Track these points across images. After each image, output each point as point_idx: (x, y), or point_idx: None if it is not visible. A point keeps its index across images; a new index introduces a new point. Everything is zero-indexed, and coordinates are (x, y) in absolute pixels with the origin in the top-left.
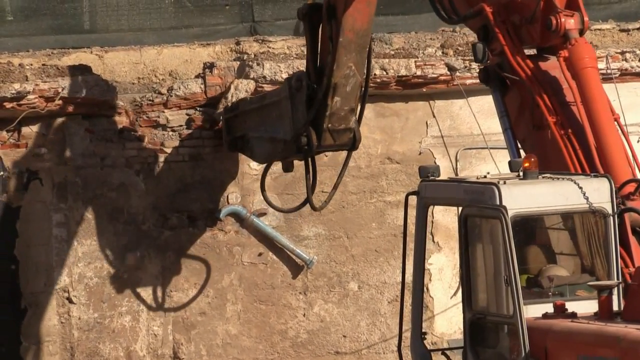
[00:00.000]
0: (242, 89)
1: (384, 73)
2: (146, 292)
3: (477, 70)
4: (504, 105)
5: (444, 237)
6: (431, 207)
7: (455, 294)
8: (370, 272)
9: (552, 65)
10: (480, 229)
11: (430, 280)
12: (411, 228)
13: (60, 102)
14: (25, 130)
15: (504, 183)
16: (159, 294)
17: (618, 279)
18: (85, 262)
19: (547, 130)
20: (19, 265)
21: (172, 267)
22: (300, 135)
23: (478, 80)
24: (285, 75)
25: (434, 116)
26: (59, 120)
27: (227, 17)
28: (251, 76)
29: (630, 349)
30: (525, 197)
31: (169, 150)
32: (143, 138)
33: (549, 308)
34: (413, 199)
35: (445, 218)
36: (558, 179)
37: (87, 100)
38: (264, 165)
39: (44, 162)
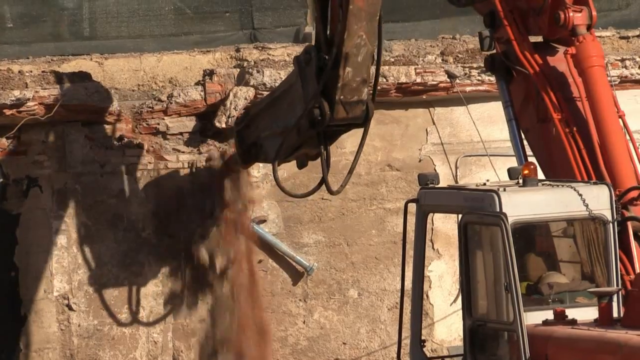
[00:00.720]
0: (242, 96)
1: (384, 80)
2: (146, 299)
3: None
4: (509, 94)
5: (444, 245)
6: (431, 214)
7: (455, 301)
8: (370, 280)
9: (559, 58)
10: (480, 236)
11: (430, 287)
12: (411, 235)
13: (60, 109)
14: (25, 137)
15: (504, 190)
16: (159, 301)
17: (618, 285)
18: (85, 269)
19: (551, 124)
20: (19, 273)
21: (172, 274)
22: (313, 108)
23: (478, 88)
24: None
25: (433, 123)
26: (59, 127)
27: (227, 24)
28: (251, 83)
29: (632, 355)
30: (525, 204)
31: (168, 157)
32: (143, 145)
33: (549, 315)
34: (413, 207)
35: (445, 225)
36: (558, 186)
37: (87, 107)
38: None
39: (44, 169)
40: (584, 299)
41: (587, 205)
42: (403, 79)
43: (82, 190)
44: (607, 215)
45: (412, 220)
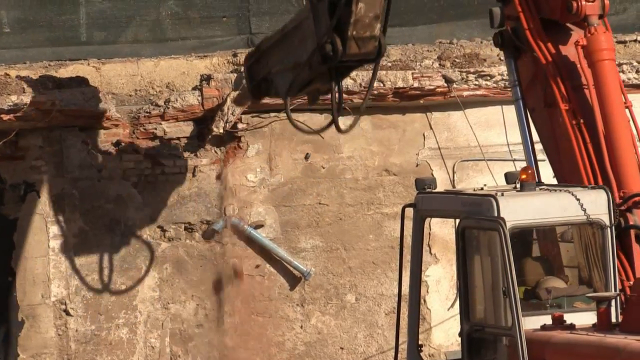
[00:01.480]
0: None
1: (381, 85)
2: (143, 304)
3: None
4: (517, 73)
5: (442, 249)
6: (428, 219)
7: (452, 305)
8: (368, 284)
9: (569, 42)
10: (478, 241)
11: (427, 292)
12: (408, 240)
13: (57, 114)
14: (22, 142)
15: (502, 195)
16: (157, 306)
17: (616, 290)
18: (82, 274)
19: (558, 110)
20: (16, 278)
21: (170, 279)
22: (325, 44)
23: (475, 93)
24: None
25: (431, 128)
26: (56, 132)
27: (224, 29)
28: None
29: None
30: (522, 208)
31: (166, 162)
32: (140, 150)
33: (547, 320)
34: (410, 211)
35: (443, 230)
36: (555, 190)
37: (84, 112)
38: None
39: (41, 174)
40: (582, 303)
41: (584, 210)
42: (400, 84)
43: (79, 195)
44: (605, 219)
45: (409, 225)
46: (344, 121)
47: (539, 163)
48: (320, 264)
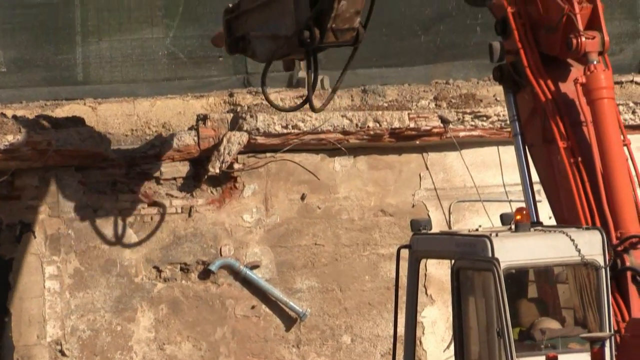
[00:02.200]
0: (235, 141)
1: (377, 125)
2: (139, 345)
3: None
4: (516, 108)
5: (437, 290)
6: (424, 260)
7: (448, 347)
8: (364, 325)
9: (569, 79)
10: (473, 282)
11: (423, 333)
12: (403, 281)
13: (53, 154)
14: (19, 182)
15: (496, 235)
16: (152, 346)
17: (610, 331)
18: (78, 314)
19: (556, 147)
20: (12, 318)
21: (165, 319)
22: (303, 30)
23: (471, 133)
24: (278, 128)
25: (427, 168)
26: (52, 172)
27: (220, 69)
28: (244, 128)
29: None
30: (517, 249)
31: (162, 202)
32: (136, 190)
33: None
34: (405, 252)
35: (438, 271)
36: (550, 231)
37: (80, 152)
38: (265, 65)
39: (37, 214)
40: (577, 344)
41: (579, 251)
42: (396, 124)
43: (75, 236)
44: (600, 260)
45: (405, 266)
46: (339, 161)
47: (537, 203)
48: (316, 305)
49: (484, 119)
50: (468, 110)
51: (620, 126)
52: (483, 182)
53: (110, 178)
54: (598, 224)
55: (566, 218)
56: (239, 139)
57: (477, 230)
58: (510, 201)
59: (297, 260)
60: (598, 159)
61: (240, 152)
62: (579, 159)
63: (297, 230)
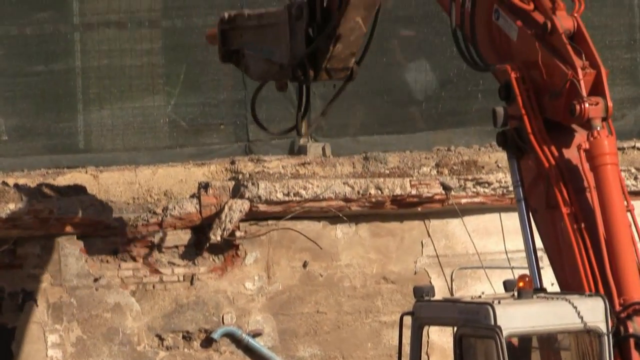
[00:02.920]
0: (237, 209)
1: (379, 192)
2: None
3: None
4: (520, 174)
5: (440, 358)
6: (427, 327)
7: None
8: None
9: (572, 144)
10: (475, 349)
11: None
12: (406, 349)
13: (55, 222)
14: (20, 250)
15: (499, 303)
16: None
17: None
18: None
19: (559, 212)
20: None
21: None
22: (297, 67)
23: (473, 200)
24: (279, 195)
25: (429, 235)
26: (54, 240)
27: (221, 136)
28: (246, 196)
29: None
30: (519, 316)
31: (164, 271)
32: (138, 258)
33: None
34: (408, 319)
35: (441, 338)
36: (552, 298)
37: (82, 221)
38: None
39: (39, 282)
40: None
41: (582, 318)
42: (398, 191)
43: (77, 304)
44: (602, 327)
45: (407, 334)
46: (341, 228)
47: (540, 269)
48: None
49: (486, 185)
50: (470, 177)
51: (623, 192)
52: (485, 249)
53: (112, 246)
54: (601, 290)
55: (569, 284)
56: (240, 206)
57: (479, 297)
58: (512, 268)
59: (300, 328)
60: (601, 225)
61: (242, 220)
62: (583, 225)
63: (299, 298)
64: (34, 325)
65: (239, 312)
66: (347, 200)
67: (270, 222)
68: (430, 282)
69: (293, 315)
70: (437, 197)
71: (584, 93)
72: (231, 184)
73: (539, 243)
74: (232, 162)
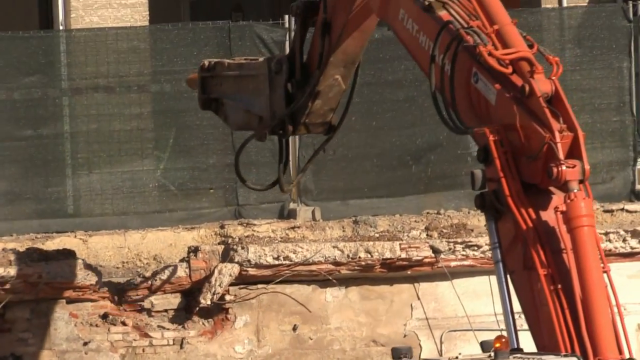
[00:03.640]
0: (227, 272)
1: (369, 256)
2: None
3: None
4: (498, 235)
5: None
6: None
7: None
8: None
9: (550, 207)
10: None
11: None
12: None
13: (44, 286)
14: (9, 314)
15: None
16: None
17: None
18: None
19: (536, 274)
20: None
21: None
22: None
23: (463, 263)
24: (269, 259)
25: (418, 298)
26: (43, 304)
27: (211, 200)
28: (236, 260)
29: None
30: None
31: (154, 334)
32: (128, 322)
33: None
34: None
35: None
36: (529, 358)
37: (71, 285)
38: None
39: (29, 346)
40: None
41: None
42: (388, 255)
43: None
44: None
45: None
46: (331, 291)
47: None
48: None
49: (475, 248)
50: (459, 240)
51: (600, 254)
52: (475, 312)
53: (102, 310)
54: (577, 351)
55: (546, 345)
56: (230, 270)
57: (456, 358)
58: (501, 330)
59: None
60: (578, 287)
61: (231, 284)
62: (559, 286)
63: (286, 351)
64: None
65: None
66: (336, 263)
67: (260, 285)
68: (420, 345)
69: None
70: (426, 260)
71: (562, 156)
72: (221, 248)
73: (517, 304)
74: (222, 226)
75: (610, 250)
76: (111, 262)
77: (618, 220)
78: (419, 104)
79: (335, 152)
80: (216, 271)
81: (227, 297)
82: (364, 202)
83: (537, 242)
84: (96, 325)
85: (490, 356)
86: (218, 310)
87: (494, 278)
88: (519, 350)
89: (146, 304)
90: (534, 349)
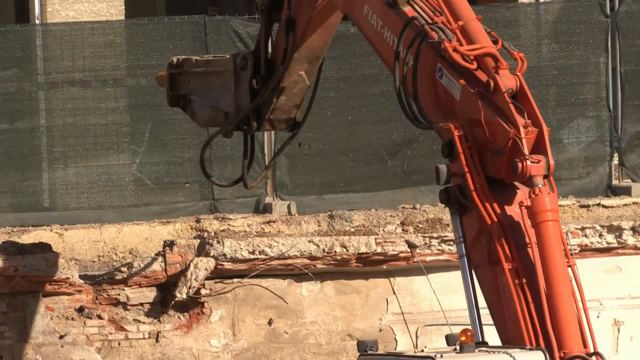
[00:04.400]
0: (202, 266)
1: (344, 250)
2: None
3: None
4: (462, 230)
5: None
6: None
7: None
8: None
9: (514, 201)
10: None
11: None
12: None
13: (20, 280)
14: None
15: (440, 356)
16: None
17: None
18: None
19: (501, 268)
20: None
21: None
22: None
23: (438, 257)
24: (245, 253)
25: (394, 293)
26: (19, 298)
27: (187, 195)
28: (211, 254)
29: None
30: None
31: (129, 328)
32: (103, 316)
33: None
34: None
35: None
36: (494, 351)
37: (47, 278)
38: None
39: (5, 339)
40: None
41: None
42: (363, 249)
43: None
44: None
45: None
46: (306, 286)
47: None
48: None
49: (451, 243)
50: (435, 235)
51: (565, 248)
52: (450, 306)
53: (78, 304)
54: (542, 344)
55: (511, 338)
56: (205, 264)
57: (422, 351)
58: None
59: None
60: (542, 281)
61: (207, 278)
62: (524, 280)
63: (264, 355)
64: None
65: None
66: (312, 258)
67: (235, 280)
68: (395, 339)
69: None
70: (402, 254)
71: (526, 151)
72: (196, 242)
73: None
74: (198, 221)
75: (586, 245)
76: (87, 255)
77: (594, 216)
78: (395, 99)
79: (311, 146)
80: (192, 265)
81: (203, 291)
82: (340, 197)
83: (502, 236)
84: (72, 319)
85: (455, 349)
86: (194, 304)
87: None
88: (484, 343)
89: (122, 297)
90: (499, 343)
